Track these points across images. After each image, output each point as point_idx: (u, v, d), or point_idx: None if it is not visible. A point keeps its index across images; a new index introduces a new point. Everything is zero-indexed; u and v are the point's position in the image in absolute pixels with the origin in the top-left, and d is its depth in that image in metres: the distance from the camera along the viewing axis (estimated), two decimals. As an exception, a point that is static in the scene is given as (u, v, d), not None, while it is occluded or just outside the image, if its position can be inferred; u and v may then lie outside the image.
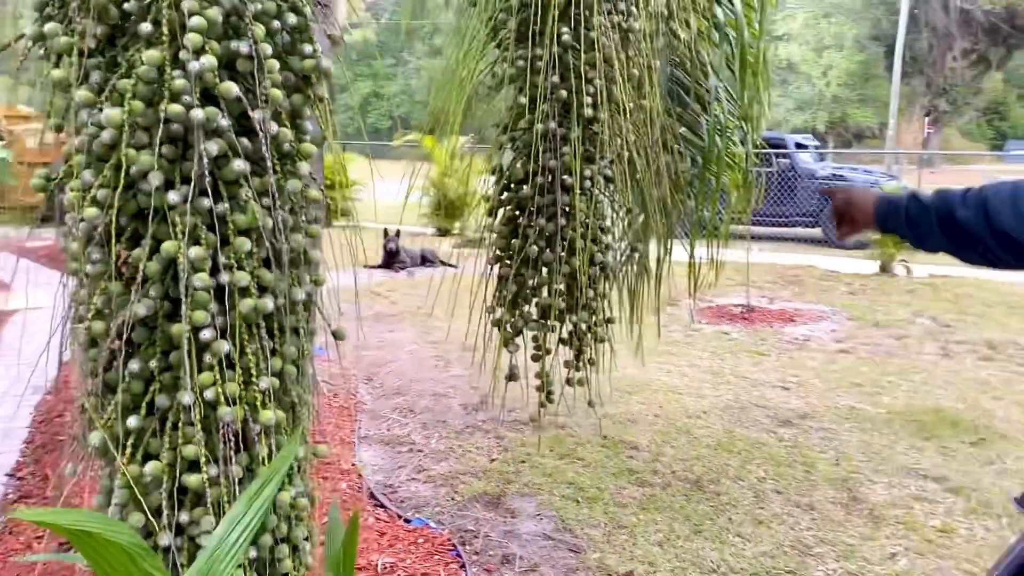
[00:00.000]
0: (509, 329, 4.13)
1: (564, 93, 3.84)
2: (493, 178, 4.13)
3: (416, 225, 17.91)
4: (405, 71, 53.12)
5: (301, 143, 2.42)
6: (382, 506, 4.71)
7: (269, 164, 2.28)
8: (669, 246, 4.68)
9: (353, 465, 5.32)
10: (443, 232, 17.60)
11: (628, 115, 3.85)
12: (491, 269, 4.15)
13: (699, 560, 4.13)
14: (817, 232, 17.63)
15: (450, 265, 12.19)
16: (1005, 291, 11.71)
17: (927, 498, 4.92)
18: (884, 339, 9.04)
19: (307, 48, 2.43)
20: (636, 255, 4.57)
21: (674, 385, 7.17)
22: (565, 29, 3.81)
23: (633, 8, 3.98)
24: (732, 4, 4.68)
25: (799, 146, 18.87)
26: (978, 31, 43.41)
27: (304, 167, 2.41)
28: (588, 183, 4.01)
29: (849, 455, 5.56)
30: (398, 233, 13.86)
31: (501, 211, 4.13)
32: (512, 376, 4.17)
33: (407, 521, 4.53)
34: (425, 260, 14.14)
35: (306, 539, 2.51)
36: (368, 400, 6.79)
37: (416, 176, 4.17)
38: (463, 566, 4.07)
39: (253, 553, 2.31)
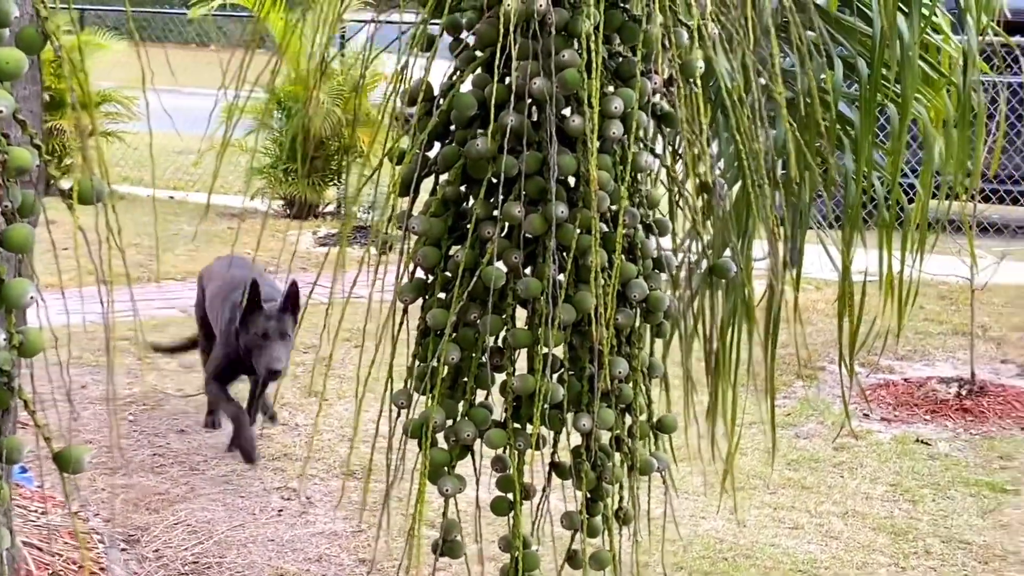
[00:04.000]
0: (442, 442, 1.91)
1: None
2: (413, 108, 1.94)
3: (237, 195, 9.89)
4: None
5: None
6: None
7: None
8: (797, 251, 2.41)
9: None
10: (298, 210, 9.61)
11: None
12: (402, 306, 1.96)
13: None
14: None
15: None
16: None
17: None
18: None
19: None
20: (721, 275, 2.20)
21: (808, 559, 3.95)
22: None
23: None
24: None
25: None
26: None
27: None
28: (617, 128, 1.87)
29: None
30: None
31: (428, 184, 1.94)
32: (448, 545, 1.94)
33: None
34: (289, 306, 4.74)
35: None
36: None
37: (241, 82, 1.94)
38: None
39: None
